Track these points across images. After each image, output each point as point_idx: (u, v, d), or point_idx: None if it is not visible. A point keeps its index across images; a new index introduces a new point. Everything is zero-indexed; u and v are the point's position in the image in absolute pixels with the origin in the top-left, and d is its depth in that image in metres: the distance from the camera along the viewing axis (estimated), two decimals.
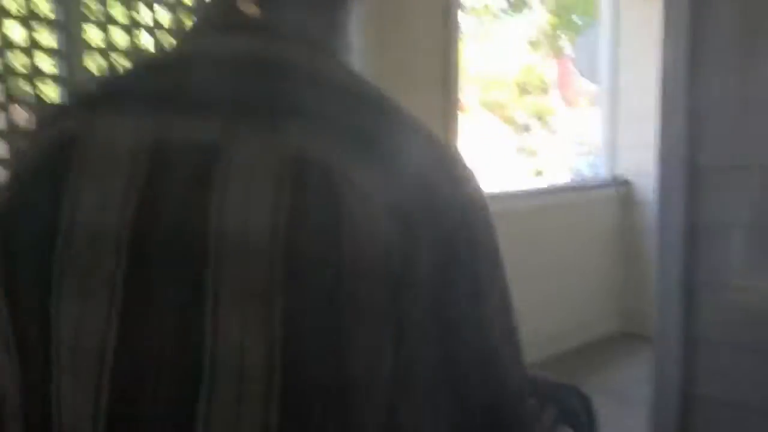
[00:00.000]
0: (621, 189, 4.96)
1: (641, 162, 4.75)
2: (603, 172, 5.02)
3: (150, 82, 0.60)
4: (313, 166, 0.52)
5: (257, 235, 0.51)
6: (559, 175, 5.02)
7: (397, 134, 0.57)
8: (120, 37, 2.47)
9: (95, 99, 0.61)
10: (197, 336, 0.52)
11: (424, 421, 0.54)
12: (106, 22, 2.40)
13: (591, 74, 5.14)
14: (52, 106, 0.57)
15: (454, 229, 0.56)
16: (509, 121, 6.58)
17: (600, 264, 4.90)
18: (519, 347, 0.65)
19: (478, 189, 0.60)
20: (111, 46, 2.41)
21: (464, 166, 0.59)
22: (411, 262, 0.52)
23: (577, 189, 4.77)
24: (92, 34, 2.38)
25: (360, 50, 0.69)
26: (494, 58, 5.61)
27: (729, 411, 2.20)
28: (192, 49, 0.62)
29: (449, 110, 3.62)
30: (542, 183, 4.84)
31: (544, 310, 4.38)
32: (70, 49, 2.29)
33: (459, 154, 0.60)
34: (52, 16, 2.30)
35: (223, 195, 0.52)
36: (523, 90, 6.65)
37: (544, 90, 6.49)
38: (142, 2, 2.49)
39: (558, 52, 6.51)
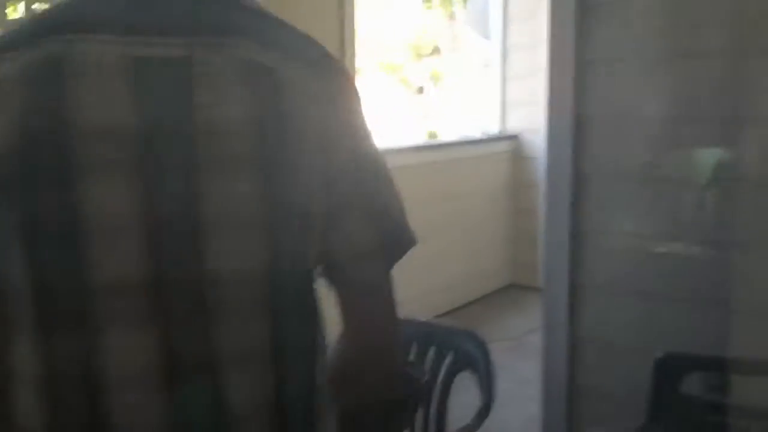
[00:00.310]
0: (511, 144, 5.11)
1: (531, 118, 4.90)
2: (494, 130, 5.15)
3: (118, 8, 0.74)
4: (260, 68, 0.75)
5: (234, 120, 0.73)
6: (452, 135, 5.09)
7: (300, 40, 0.85)
8: None
9: (69, 24, 0.73)
10: (199, 200, 0.72)
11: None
12: None
13: (483, 33, 5.22)
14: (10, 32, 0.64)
15: (341, 100, 0.83)
16: (405, 83, 6.60)
17: (492, 218, 5.05)
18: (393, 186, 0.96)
19: (345, 71, 0.88)
20: None
21: (336, 60, 0.88)
22: (327, 130, 0.80)
23: (469, 144, 4.86)
24: None
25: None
26: (388, 21, 5.58)
27: (612, 352, 2.34)
28: None
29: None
30: (436, 140, 4.90)
31: (440, 264, 4.48)
32: None
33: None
34: None
35: (201, 94, 0.72)
36: (418, 52, 6.68)
37: (438, 51, 6.53)
38: None
39: (451, 13, 6.56)
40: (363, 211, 0.85)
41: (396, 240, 0.92)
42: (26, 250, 0.70)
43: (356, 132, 0.86)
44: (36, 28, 0.74)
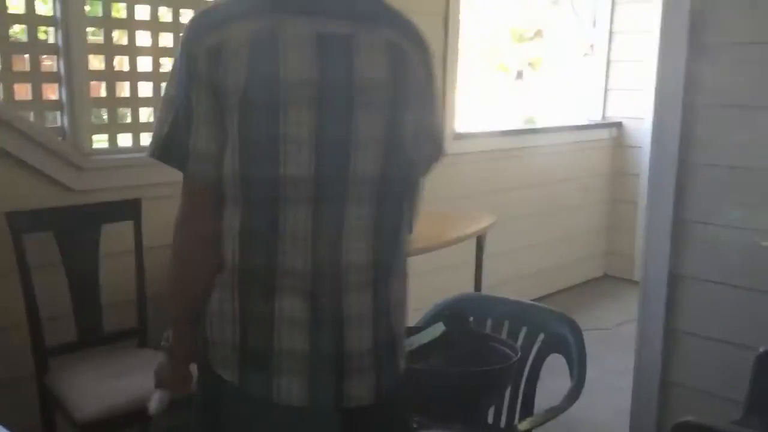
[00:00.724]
0: (613, 131, 4.99)
1: (634, 106, 4.77)
2: (596, 117, 5.04)
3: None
4: (394, 45, 1.17)
5: (378, 79, 1.15)
6: (551, 121, 5.01)
7: (409, 24, 1.24)
8: None
9: (277, 7, 1.12)
10: (352, 128, 1.13)
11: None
12: None
13: (588, 17, 5.10)
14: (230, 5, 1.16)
15: (430, 65, 1.26)
16: (503, 67, 6.52)
17: (589, 206, 4.97)
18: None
19: (428, 44, 1.26)
20: None
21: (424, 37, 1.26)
22: (425, 86, 1.25)
23: (569, 130, 4.79)
24: None
25: None
26: (491, 3, 5.53)
27: (710, 345, 2.28)
28: None
29: (448, 64, 3.62)
30: (536, 125, 4.84)
31: (535, 249, 4.46)
32: None
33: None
34: None
35: (359, 60, 1.13)
36: (519, 36, 6.57)
37: (540, 35, 6.41)
38: None
39: None
40: (431, 138, 1.30)
41: (441, 153, 1.36)
42: (240, 152, 1.11)
43: (434, 83, 1.27)
44: (253, 7, 1.12)
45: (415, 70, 1.19)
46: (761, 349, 1.84)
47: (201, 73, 1.10)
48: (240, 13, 1.12)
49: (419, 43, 1.22)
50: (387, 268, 1.21)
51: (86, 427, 1.96)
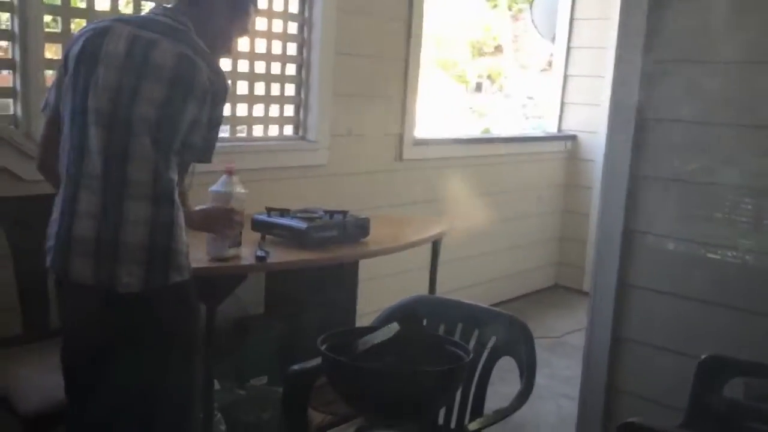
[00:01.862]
0: (567, 144, 5.09)
1: (589, 120, 4.87)
2: (551, 129, 5.14)
3: (127, 19, 1.76)
4: (186, 56, 1.64)
5: (166, 67, 1.62)
6: (507, 132, 5.10)
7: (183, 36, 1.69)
8: None
9: (117, 19, 1.71)
10: (122, 95, 1.62)
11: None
12: None
13: (547, 33, 5.21)
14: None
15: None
16: (462, 80, 6.61)
17: (542, 217, 5.05)
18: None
19: (226, 84, 1.73)
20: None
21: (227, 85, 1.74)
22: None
23: (525, 141, 4.87)
24: None
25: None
26: (452, 17, 5.59)
27: (656, 353, 2.34)
28: (144, 15, 1.86)
29: (410, 69, 3.66)
30: (492, 135, 4.91)
31: (487, 257, 4.51)
32: None
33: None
34: None
35: (154, 54, 1.63)
36: (478, 50, 6.67)
37: (499, 50, 6.52)
38: None
39: (516, 12, 6.53)
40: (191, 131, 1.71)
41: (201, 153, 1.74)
42: (75, 98, 1.65)
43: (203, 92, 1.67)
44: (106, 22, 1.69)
45: (201, 74, 1.62)
46: (703, 357, 1.89)
47: None
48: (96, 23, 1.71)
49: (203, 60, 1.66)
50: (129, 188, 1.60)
51: (30, 420, 1.91)
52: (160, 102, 1.59)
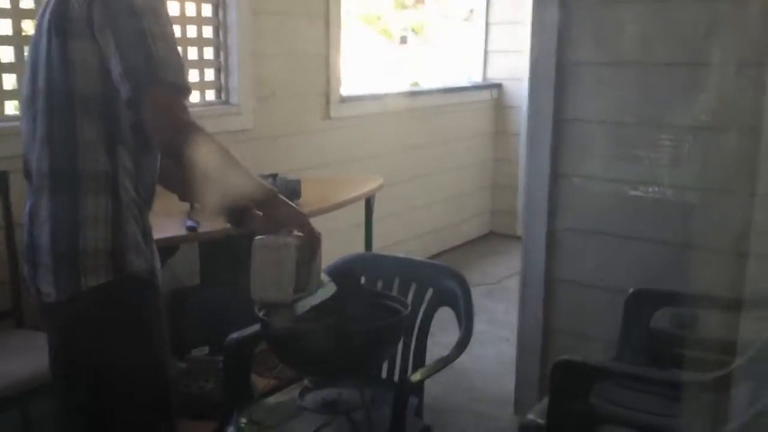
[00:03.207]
0: (494, 92, 5.14)
1: (514, 67, 4.91)
2: (477, 78, 5.16)
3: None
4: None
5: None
6: (435, 84, 5.09)
7: None
8: None
9: None
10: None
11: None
12: None
13: None
14: None
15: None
16: (387, 33, 6.52)
17: (473, 166, 5.11)
18: (170, 45, 1.36)
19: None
20: None
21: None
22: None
23: (451, 92, 4.88)
24: None
25: None
26: None
27: (587, 291, 2.42)
28: None
29: (331, 27, 3.60)
30: (418, 88, 4.90)
31: (422, 210, 4.55)
32: None
33: None
34: None
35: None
36: (401, 3, 6.59)
37: (420, 1, 6.45)
38: None
39: None
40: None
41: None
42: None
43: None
44: None
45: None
46: (630, 291, 1.97)
47: None
48: None
49: None
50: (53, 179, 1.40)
51: None
52: (46, 61, 1.38)
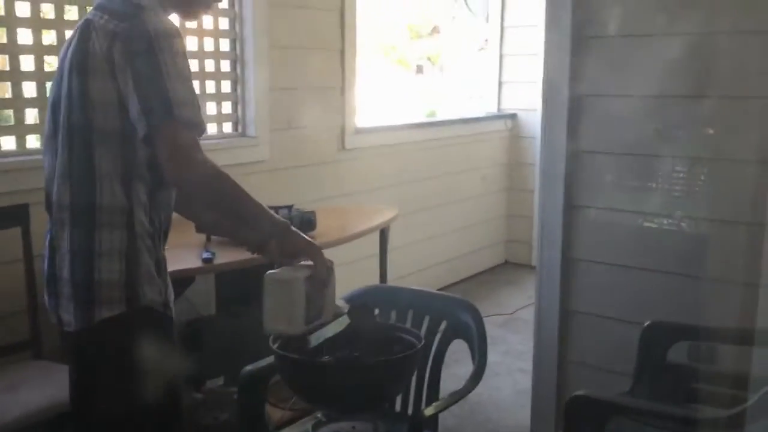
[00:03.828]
0: (508, 123, 5.16)
1: (528, 98, 4.94)
2: (492, 109, 5.19)
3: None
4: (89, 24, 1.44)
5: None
6: (450, 114, 5.13)
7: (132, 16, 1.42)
8: None
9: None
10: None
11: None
12: None
13: (481, 13, 5.24)
14: None
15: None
16: (403, 63, 6.59)
17: (488, 196, 5.11)
18: (185, 83, 1.40)
19: (149, 29, 1.38)
20: None
21: (154, 27, 1.39)
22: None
23: (466, 122, 4.91)
24: None
25: None
26: (387, 1, 5.58)
27: (602, 323, 2.41)
28: None
29: (346, 59, 3.64)
30: (434, 118, 4.93)
31: (437, 240, 4.55)
32: None
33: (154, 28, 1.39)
34: None
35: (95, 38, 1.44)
36: (416, 33, 6.67)
37: (437, 31, 6.53)
38: None
39: None
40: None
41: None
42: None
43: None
44: None
45: (91, 42, 1.42)
46: (646, 324, 1.95)
47: None
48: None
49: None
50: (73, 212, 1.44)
51: None
52: (67, 98, 1.44)
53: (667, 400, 1.81)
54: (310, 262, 1.49)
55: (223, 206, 1.48)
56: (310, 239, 1.52)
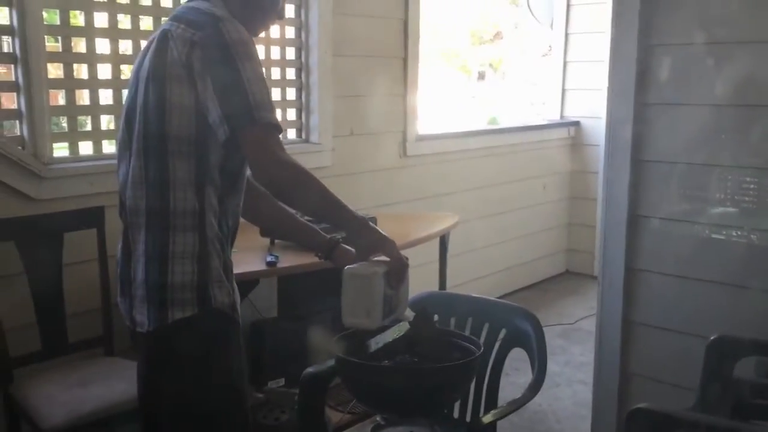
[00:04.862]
0: (571, 130, 5.10)
1: (591, 105, 4.87)
2: (554, 116, 5.14)
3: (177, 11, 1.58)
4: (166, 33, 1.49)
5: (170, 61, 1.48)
6: (512, 121, 5.10)
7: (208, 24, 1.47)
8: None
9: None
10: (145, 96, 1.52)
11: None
12: None
13: (545, 19, 5.20)
14: None
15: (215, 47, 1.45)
16: (465, 69, 6.59)
17: (551, 205, 5.06)
18: (264, 88, 1.45)
19: (227, 38, 1.43)
20: None
21: (231, 36, 1.44)
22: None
23: (529, 130, 4.88)
24: None
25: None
26: (450, 6, 5.59)
27: (666, 335, 2.36)
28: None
29: (409, 66, 3.68)
30: (496, 126, 4.92)
31: (498, 248, 4.53)
32: None
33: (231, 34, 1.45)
34: None
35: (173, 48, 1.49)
36: (478, 38, 6.65)
37: (500, 36, 6.50)
38: None
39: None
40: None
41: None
42: None
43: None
44: None
45: (170, 50, 1.47)
46: (712, 338, 1.91)
47: None
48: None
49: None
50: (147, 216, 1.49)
51: None
52: (143, 106, 1.48)
53: (733, 416, 1.76)
54: (386, 258, 1.52)
55: (309, 203, 1.52)
56: (386, 235, 1.55)
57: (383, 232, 1.55)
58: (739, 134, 2.18)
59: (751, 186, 2.14)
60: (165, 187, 1.46)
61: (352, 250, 1.61)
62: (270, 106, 1.44)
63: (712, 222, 2.22)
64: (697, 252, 2.25)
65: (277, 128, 1.46)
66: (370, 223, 1.55)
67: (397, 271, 1.51)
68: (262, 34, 3.02)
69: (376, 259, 1.53)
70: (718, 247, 2.22)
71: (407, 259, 1.54)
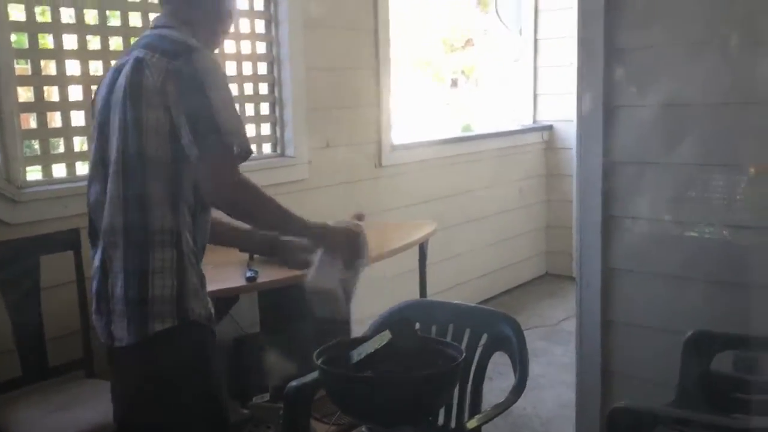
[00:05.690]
0: (544, 135, 5.15)
1: (563, 109, 4.92)
2: (527, 121, 5.19)
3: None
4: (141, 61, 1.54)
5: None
6: (486, 127, 5.14)
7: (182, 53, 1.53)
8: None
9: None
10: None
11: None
12: None
13: (514, 25, 5.26)
14: None
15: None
16: (437, 77, 6.64)
17: (527, 208, 5.10)
18: (233, 115, 1.54)
19: (199, 68, 1.51)
20: None
21: (203, 65, 1.52)
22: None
23: (503, 135, 4.92)
24: None
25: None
26: (420, 15, 5.63)
27: (644, 333, 2.39)
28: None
29: (381, 77, 3.71)
30: (470, 132, 4.96)
31: (476, 253, 4.55)
32: None
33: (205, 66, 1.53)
34: None
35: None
36: (450, 46, 6.71)
37: (470, 44, 6.56)
38: None
39: (483, 6, 6.58)
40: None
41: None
42: None
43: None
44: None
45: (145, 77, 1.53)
46: (689, 333, 1.94)
47: None
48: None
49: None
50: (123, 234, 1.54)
51: None
52: (120, 127, 1.53)
53: (712, 410, 1.79)
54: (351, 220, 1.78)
55: (267, 220, 1.66)
56: (335, 225, 1.76)
57: (332, 224, 1.75)
58: (706, 133, 2.22)
59: (720, 183, 2.18)
60: (144, 206, 1.52)
61: (293, 240, 1.90)
62: (239, 130, 1.53)
63: (684, 220, 2.26)
64: (672, 250, 2.29)
65: (244, 152, 1.54)
66: (329, 224, 1.74)
67: (350, 255, 1.74)
68: (233, 49, 3.07)
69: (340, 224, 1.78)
70: (691, 244, 2.26)
71: (363, 216, 1.89)
